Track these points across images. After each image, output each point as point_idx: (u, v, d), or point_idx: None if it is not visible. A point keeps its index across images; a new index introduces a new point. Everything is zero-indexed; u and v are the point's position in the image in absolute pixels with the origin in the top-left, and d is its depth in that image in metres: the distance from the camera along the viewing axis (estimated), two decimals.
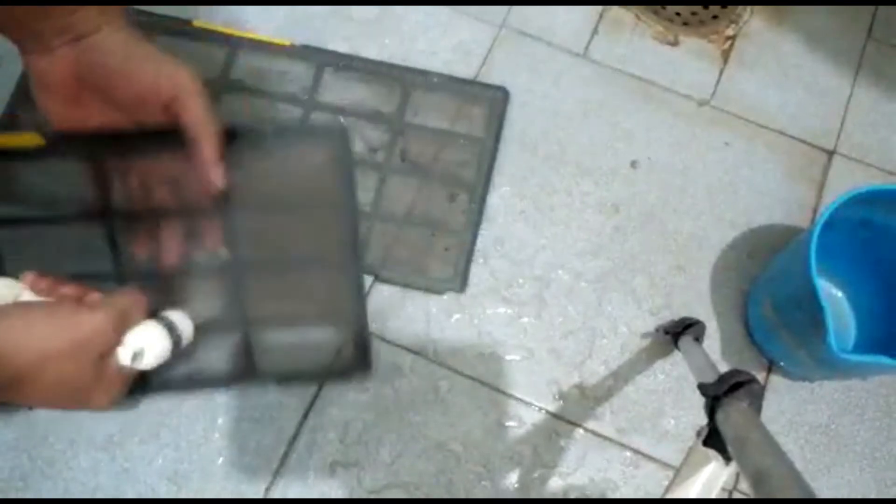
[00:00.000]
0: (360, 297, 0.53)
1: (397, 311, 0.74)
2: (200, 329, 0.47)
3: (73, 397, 0.39)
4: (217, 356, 0.55)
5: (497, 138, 0.81)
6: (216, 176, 0.42)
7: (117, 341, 0.40)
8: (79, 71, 0.41)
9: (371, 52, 0.85)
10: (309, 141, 0.48)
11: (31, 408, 0.40)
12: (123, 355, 0.40)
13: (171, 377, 0.54)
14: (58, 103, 0.43)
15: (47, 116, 0.44)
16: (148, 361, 0.42)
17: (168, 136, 0.45)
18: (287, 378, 0.55)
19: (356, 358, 0.54)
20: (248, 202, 0.49)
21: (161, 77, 0.40)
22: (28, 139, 0.46)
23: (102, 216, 0.47)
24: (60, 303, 0.40)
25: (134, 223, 0.48)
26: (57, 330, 0.37)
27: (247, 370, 0.54)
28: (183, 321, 0.46)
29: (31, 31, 0.40)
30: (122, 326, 0.40)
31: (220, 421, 0.70)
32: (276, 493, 0.68)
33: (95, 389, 0.40)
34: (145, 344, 0.41)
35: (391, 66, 0.82)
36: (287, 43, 0.83)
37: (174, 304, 0.46)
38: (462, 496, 0.69)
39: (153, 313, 0.44)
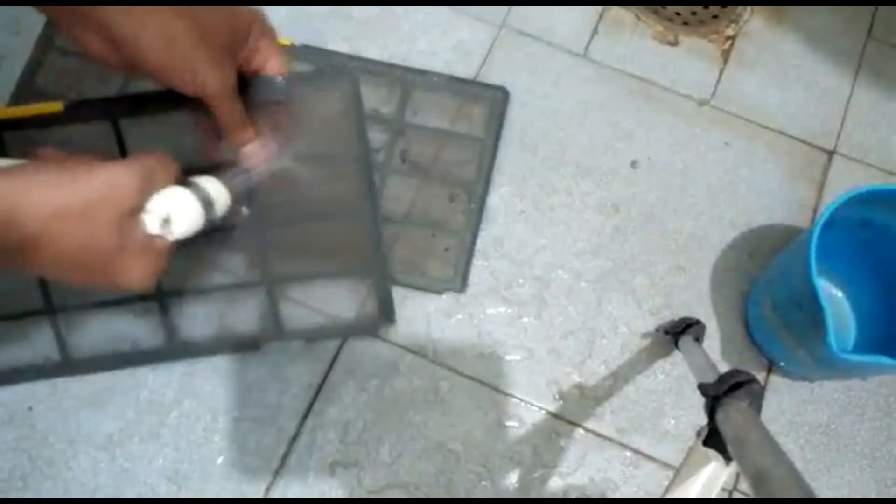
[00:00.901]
0: (380, 245, 0.53)
1: (397, 311, 0.74)
2: (236, 198, 0.44)
3: (97, 267, 0.36)
4: (244, 316, 0.55)
5: (497, 138, 0.81)
6: (246, 157, 0.45)
7: (140, 202, 0.37)
8: (114, 48, 0.39)
9: (371, 52, 0.85)
10: (321, 89, 0.47)
11: (47, 280, 0.35)
12: (150, 221, 0.37)
13: (201, 338, 0.55)
14: (97, 60, 0.41)
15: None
16: (179, 229, 0.38)
17: (175, 96, 0.46)
18: (314, 335, 0.55)
19: (379, 310, 0.54)
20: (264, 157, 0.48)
21: (193, 89, 0.40)
22: (48, 107, 0.47)
23: None
24: (75, 160, 0.36)
25: None
26: (69, 185, 0.34)
27: (275, 329, 0.54)
28: (215, 187, 0.42)
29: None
30: (145, 186, 0.37)
31: (220, 421, 0.70)
32: (276, 493, 0.68)
33: (122, 259, 0.36)
34: (173, 209, 0.38)
35: (391, 66, 0.82)
36: (287, 43, 0.83)
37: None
38: (462, 496, 0.69)
39: (182, 181, 0.41)
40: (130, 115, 0.48)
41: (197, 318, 0.54)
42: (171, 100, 0.46)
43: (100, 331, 0.57)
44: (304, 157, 0.48)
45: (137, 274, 0.37)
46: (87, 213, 0.34)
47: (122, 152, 0.49)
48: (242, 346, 0.56)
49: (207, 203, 0.40)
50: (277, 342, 0.55)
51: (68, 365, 0.58)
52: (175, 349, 0.55)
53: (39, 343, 0.57)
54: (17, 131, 0.48)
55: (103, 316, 0.57)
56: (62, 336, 0.56)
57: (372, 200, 0.52)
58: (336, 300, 0.55)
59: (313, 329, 0.56)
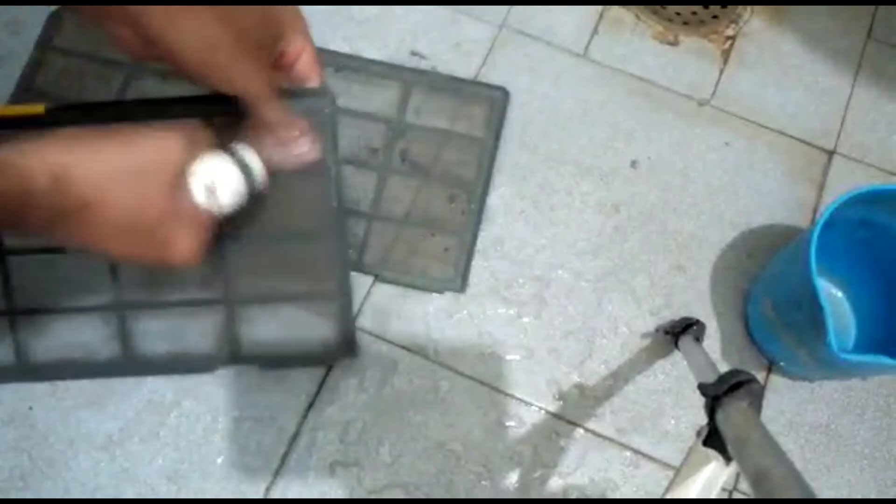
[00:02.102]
0: (346, 270, 0.51)
1: (397, 311, 0.74)
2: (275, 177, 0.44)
3: (146, 233, 0.35)
4: (201, 337, 0.54)
5: (497, 138, 0.81)
6: (293, 155, 0.45)
7: (187, 164, 0.36)
8: (150, 47, 0.38)
9: (371, 52, 0.85)
10: (294, 106, 0.47)
11: (102, 255, 0.36)
12: (196, 187, 0.37)
13: (156, 357, 0.54)
14: (132, 55, 0.41)
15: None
16: (223, 198, 0.38)
17: (160, 104, 0.45)
18: (271, 363, 0.54)
19: (340, 342, 0.53)
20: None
21: (236, 89, 0.40)
22: (29, 109, 0.46)
23: None
24: (122, 128, 0.36)
25: None
26: (121, 147, 0.34)
27: (230, 352, 0.53)
28: (252, 157, 0.42)
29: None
30: (191, 149, 0.37)
31: (220, 421, 0.70)
32: (276, 493, 0.68)
33: (171, 228, 0.36)
34: (216, 176, 0.38)
35: (391, 66, 0.82)
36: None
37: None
38: (462, 496, 0.69)
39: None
40: (112, 121, 0.47)
41: (154, 334, 0.53)
42: (154, 108, 0.46)
43: (58, 338, 0.56)
44: (273, 175, 0.48)
45: (185, 245, 0.37)
46: (139, 175, 0.34)
47: None
48: (196, 367, 0.54)
49: (246, 171, 0.40)
50: (232, 367, 0.53)
51: (22, 370, 0.56)
52: (129, 364, 0.54)
53: None
54: None
55: (63, 323, 0.56)
56: (20, 340, 0.55)
57: (338, 221, 0.50)
58: (297, 327, 0.53)
59: (271, 356, 0.54)
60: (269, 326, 0.54)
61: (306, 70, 0.45)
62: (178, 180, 0.36)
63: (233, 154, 0.40)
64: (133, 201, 0.34)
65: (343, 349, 0.53)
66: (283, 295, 0.52)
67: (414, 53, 0.85)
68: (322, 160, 0.47)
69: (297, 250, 0.52)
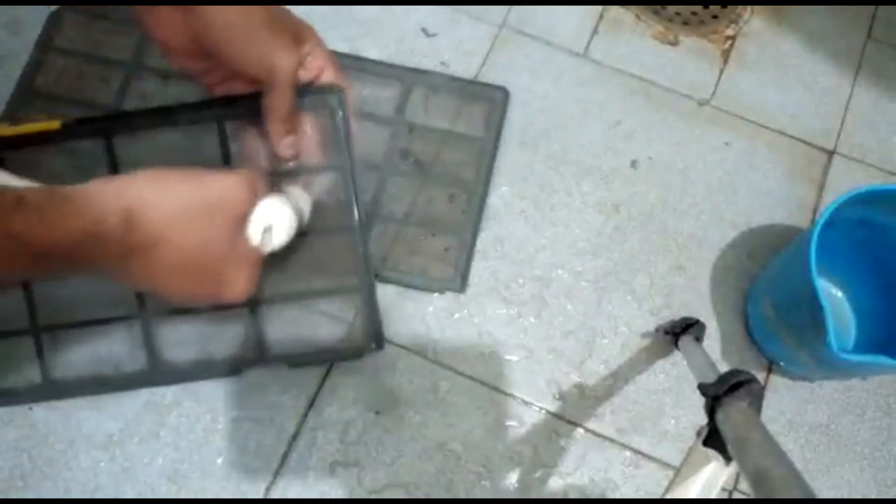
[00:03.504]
0: (368, 264, 0.52)
1: (397, 311, 0.74)
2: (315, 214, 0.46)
3: (207, 273, 0.37)
4: (226, 341, 0.54)
5: (497, 138, 0.81)
6: (283, 149, 0.45)
7: (249, 209, 0.38)
8: (190, 32, 0.40)
9: (371, 52, 0.85)
10: (307, 104, 0.48)
11: (160, 292, 0.37)
12: (254, 231, 0.38)
13: (183, 363, 0.54)
14: (178, 59, 0.43)
15: (175, 66, 0.44)
16: (277, 239, 0.40)
17: (170, 111, 0.46)
18: (298, 360, 0.55)
19: (367, 334, 0.53)
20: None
21: (261, 68, 0.41)
22: (46, 125, 0.47)
23: None
24: (190, 168, 0.38)
25: None
26: (190, 190, 0.35)
27: (257, 353, 0.54)
28: (303, 197, 0.44)
29: None
30: (253, 195, 0.39)
31: (220, 421, 0.70)
32: (276, 493, 0.68)
33: (231, 269, 0.37)
34: (274, 218, 0.39)
35: (391, 66, 0.82)
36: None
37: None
38: (462, 496, 0.69)
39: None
40: (125, 132, 0.48)
41: (179, 341, 0.53)
42: (165, 116, 0.47)
43: (82, 353, 0.56)
44: (291, 172, 0.49)
45: (241, 283, 0.38)
46: (205, 216, 0.35)
47: (114, 169, 0.49)
48: (224, 371, 0.55)
49: (299, 212, 0.42)
50: (260, 368, 0.54)
51: (50, 388, 0.56)
52: (157, 374, 0.54)
53: (22, 365, 0.56)
54: (15, 150, 0.49)
55: (86, 337, 0.56)
56: (45, 358, 0.55)
57: (358, 215, 0.51)
58: (322, 323, 0.53)
59: (297, 354, 0.54)
60: (294, 325, 0.54)
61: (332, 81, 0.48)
62: (240, 221, 0.38)
63: (286, 195, 0.42)
64: (197, 241, 0.35)
65: (371, 341, 0.54)
66: (306, 292, 0.53)
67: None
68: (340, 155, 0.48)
69: (318, 246, 0.53)
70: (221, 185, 0.37)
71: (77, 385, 0.56)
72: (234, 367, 0.55)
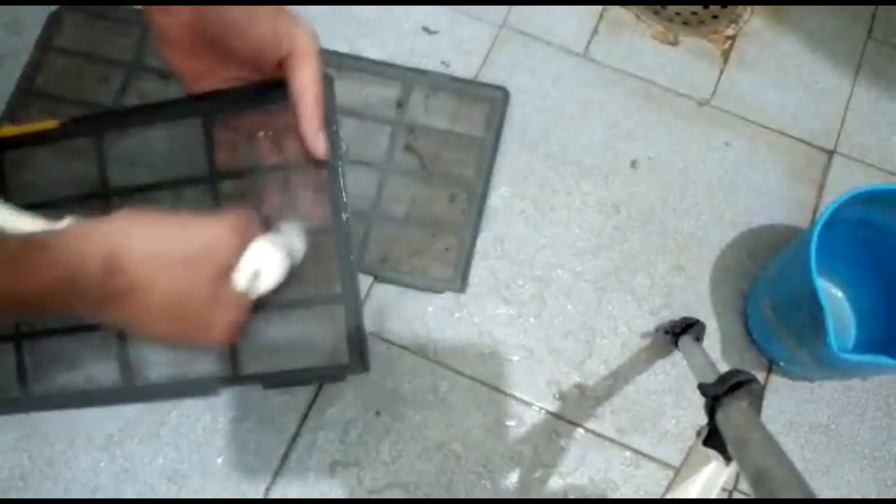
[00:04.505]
0: (352, 272, 0.48)
1: (397, 311, 0.74)
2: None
3: (189, 319, 0.36)
4: (200, 358, 0.51)
5: (497, 138, 0.81)
6: (319, 143, 0.42)
7: (237, 260, 0.37)
8: (197, 24, 0.38)
9: (371, 52, 0.85)
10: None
11: (143, 335, 0.37)
12: (241, 277, 0.37)
13: (157, 379, 0.52)
14: (177, 56, 0.41)
15: (171, 69, 0.42)
16: (265, 283, 0.38)
17: (166, 106, 0.46)
18: (275, 381, 0.52)
19: (350, 352, 0.50)
20: (231, 167, 0.47)
21: (280, 33, 0.38)
22: (44, 125, 0.47)
23: (103, 195, 0.47)
24: (176, 212, 0.36)
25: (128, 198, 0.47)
26: (174, 237, 0.34)
27: (232, 373, 0.51)
28: (297, 235, 0.42)
29: None
30: (242, 245, 0.37)
31: (220, 421, 0.70)
32: (276, 493, 0.68)
33: (214, 315, 0.36)
34: (262, 264, 0.38)
35: (391, 66, 0.82)
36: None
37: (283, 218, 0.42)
38: (462, 496, 0.69)
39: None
40: (119, 129, 0.47)
41: (153, 357, 0.52)
42: (160, 112, 0.46)
43: (58, 366, 0.56)
44: (270, 170, 0.47)
45: (225, 329, 0.37)
46: (189, 263, 0.34)
47: (102, 168, 0.48)
48: (198, 391, 0.52)
49: (291, 253, 0.41)
50: (234, 387, 0.51)
51: (28, 401, 0.55)
52: (130, 390, 0.52)
53: (1, 375, 0.56)
54: (14, 149, 0.48)
55: (64, 346, 0.55)
56: (25, 367, 0.54)
57: (346, 218, 0.48)
58: (301, 339, 0.50)
59: (274, 374, 0.51)
60: (272, 339, 0.50)
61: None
62: (226, 269, 0.37)
63: (279, 237, 0.40)
64: (180, 288, 0.34)
65: (356, 362, 0.50)
66: (282, 302, 0.49)
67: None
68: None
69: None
70: (209, 233, 0.36)
71: (54, 399, 0.55)
72: (208, 387, 0.52)
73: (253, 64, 0.41)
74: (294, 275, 0.47)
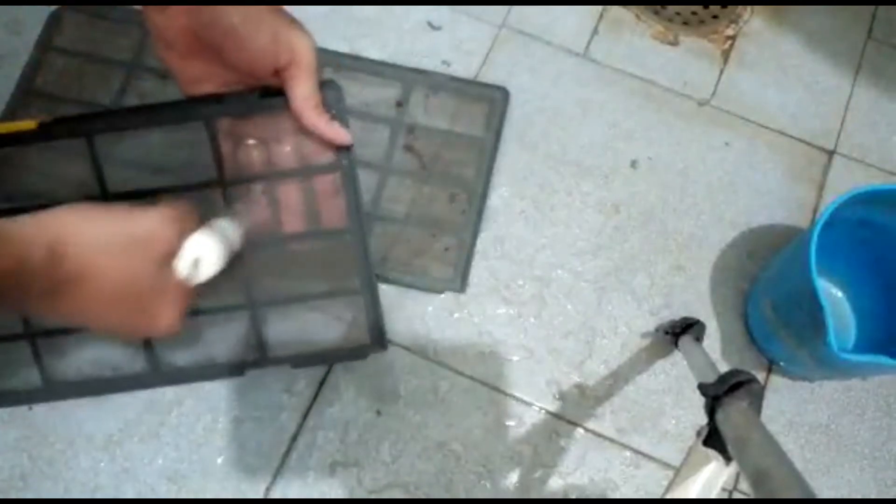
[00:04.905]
0: (369, 264, 0.52)
1: (397, 311, 0.74)
2: (245, 241, 0.45)
3: (134, 307, 0.36)
4: (227, 342, 0.54)
5: (497, 138, 0.81)
6: (334, 132, 0.43)
7: (176, 248, 0.38)
8: (196, 28, 0.39)
9: (371, 52, 0.85)
10: None
11: (88, 326, 0.38)
12: (182, 265, 0.38)
13: (183, 364, 0.54)
14: (175, 58, 0.41)
15: (170, 71, 0.43)
16: (205, 271, 0.40)
17: (153, 109, 0.46)
18: (300, 362, 0.55)
19: (370, 335, 0.53)
20: (242, 170, 0.48)
21: (279, 43, 0.39)
22: (21, 125, 0.47)
23: (102, 195, 0.47)
24: (115, 205, 0.37)
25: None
26: (116, 224, 0.35)
27: (259, 355, 0.54)
28: (232, 228, 0.44)
29: None
30: (180, 234, 0.38)
31: (220, 421, 0.70)
32: (276, 493, 0.68)
33: (158, 302, 0.37)
34: (202, 252, 0.40)
35: (391, 66, 0.82)
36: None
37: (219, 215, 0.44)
38: (462, 496, 0.69)
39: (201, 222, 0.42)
40: (105, 131, 0.47)
41: (178, 343, 0.53)
42: (148, 115, 0.46)
43: (82, 355, 0.57)
44: (285, 171, 0.48)
45: (169, 316, 0.38)
46: (130, 250, 0.35)
47: (98, 170, 0.49)
48: (225, 372, 0.55)
49: (228, 244, 0.42)
50: (261, 369, 0.54)
51: (50, 390, 0.56)
52: (158, 375, 0.54)
53: (20, 368, 0.56)
54: None
55: (84, 339, 0.56)
56: (43, 361, 0.55)
57: (359, 214, 0.50)
58: (324, 324, 0.54)
59: (300, 355, 0.54)
60: (296, 326, 0.54)
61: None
62: (166, 256, 0.38)
63: (214, 227, 0.42)
64: (123, 275, 0.35)
65: (374, 341, 0.54)
66: (306, 294, 0.52)
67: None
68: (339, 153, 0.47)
69: (318, 248, 0.52)
70: (147, 222, 0.37)
71: (78, 387, 0.56)
72: (235, 369, 0.54)
73: (249, 72, 0.41)
74: (315, 264, 0.49)
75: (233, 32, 0.38)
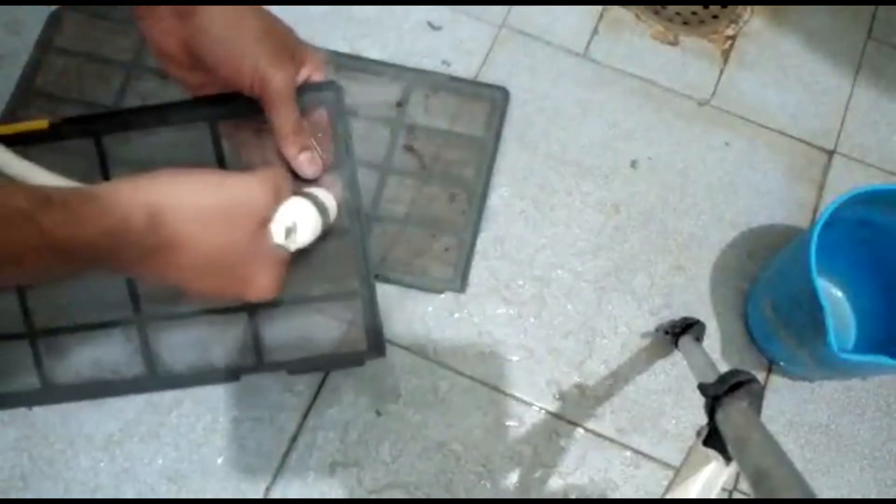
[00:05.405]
0: (368, 267, 0.52)
1: (397, 311, 0.74)
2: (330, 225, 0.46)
3: (230, 273, 0.37)
4: (225, 346, 0.54)
5: (497, 138, 0.81)
6: (300, 165, 0.44)
7: (271, 213, 0.38)
8: (188, 40, 0.40)
9: (371, 52, 0.85)
10: (302, 103, 0.47)
11: (185, 290, 0.38)
12: (277, 231, 0.38)
13: (181, 368, 0.54)
14: (173, 68, 0.42)
15: (172, 79, 0.43)
16: (301, 238, 0.40)
17: (161, 109, 0.46)
18: (297, 367, 0.55)
19: (367, 341, 0.53)
20: (245, 170, 0.48)
21: (255, 79, 0.40)
22: (34, 125, 0.47)
23: None
24: (211, 170, 0.38)
25: None
26: (213, 191, 0.35)
27: (255, 360, 0.53)
28: (328, 197, 0.44)
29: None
30: (276, 198, 0.38)
31: (220, 421, 0.70)
32: (276, 493, 0.68)
33: (255, 268, 0.37)
34: (297, 218, 0.40)
35: (391, 66, 0.82)
36: None
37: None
38: (462, 496, 0.69)
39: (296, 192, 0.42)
40: (114, 131, 0.48)
41: (177, 346, 0.53)
42: (155, 116, 0.47)
43: (81, 357, 0.57)
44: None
45: (265, 283, 0.38)
46: (228, 216, 0.35)
47: (104, 169, 0.49)
48: (222, 377, 0.54)
49: (323, 211, 0.43)
50: (257, 374, 0.54)
51: (49, 393, 0.56)
52: (155, 379, 0.54)
53: (20, 369, 0.56)
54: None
55: (84, 341, 0.56)
56: (43, 362, 0.55)
57: (359, 216, 0.50)
58: (322, 329, 0.53)
59: (296, 360, 0.54)
60: (293, 330, 0.53)
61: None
62: (263, 222, 0.38)
63: (309, 195, 0.42)
64: (220, 241, 0.35)
65: (372, 348, 0.53)
66: (305, 297, 0.52)
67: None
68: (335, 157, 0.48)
69: (317, 249, 0.52)
70: (244, 187, 0.37)
71: (76, 389, 0.56)
72: (232, 374, 0.54)
73: (230, 87, 0.42)
74: (314, 265, 0.49)
75: (217, 58, 0.40)
